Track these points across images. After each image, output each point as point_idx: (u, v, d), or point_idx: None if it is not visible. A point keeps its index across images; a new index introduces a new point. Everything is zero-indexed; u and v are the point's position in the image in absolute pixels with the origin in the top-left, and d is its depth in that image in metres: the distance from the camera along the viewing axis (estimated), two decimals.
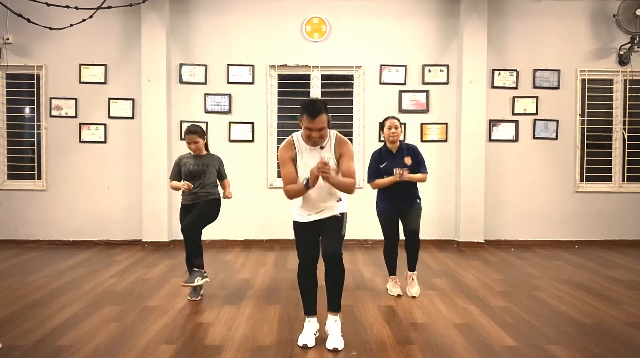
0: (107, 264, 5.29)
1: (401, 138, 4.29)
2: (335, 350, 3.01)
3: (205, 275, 4.07)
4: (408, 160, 4.19)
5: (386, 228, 4.24)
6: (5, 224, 6.43)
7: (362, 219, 5.94)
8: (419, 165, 4.22)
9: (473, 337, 3.23)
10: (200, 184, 4.14)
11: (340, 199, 3.21)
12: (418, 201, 4.27)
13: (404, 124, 6.42)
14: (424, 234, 6.38)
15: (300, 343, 3.10)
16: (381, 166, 4.18)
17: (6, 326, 3.38)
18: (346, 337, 3.18)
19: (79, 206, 6.44)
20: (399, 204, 4.19)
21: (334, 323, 3.16)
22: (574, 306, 3.88)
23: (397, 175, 4.02)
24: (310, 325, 3.21)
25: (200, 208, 4.10)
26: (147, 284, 4.51)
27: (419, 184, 4.28)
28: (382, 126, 4.31)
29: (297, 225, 3.22)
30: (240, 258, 5.67)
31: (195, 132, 4.13)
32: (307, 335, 3.14)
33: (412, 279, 4.27)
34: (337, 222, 3.16)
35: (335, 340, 3.06)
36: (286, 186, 3.09)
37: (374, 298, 4.11)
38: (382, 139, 4.51)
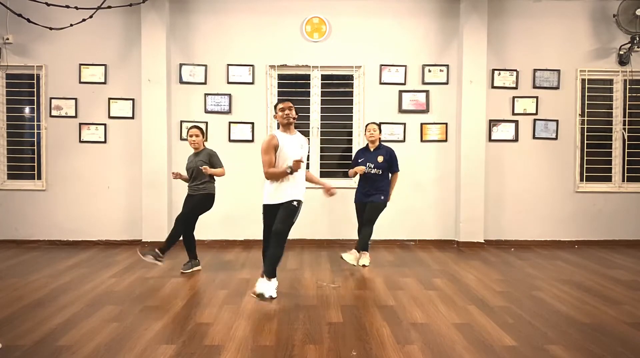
0: (107, 264, 5.29)
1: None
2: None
3: (159, 258, 4.79)
4: (380, 158, 5.12)
5: (357, 212, 5.31)
6: (5, 224, 6.43)
7: None
8: (392, 164, 5.17)
9: (473, 337, 3.23)
10: (194, 179, 4.94)
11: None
12: (382, 197, 5.11)
13: (404, 124, 6.46)
14: (424, 234, 6.48)
15: (267, 295, 3.83)
16: (359, 161, 5.20)
17: (6, 326, 3.38)
18: (346, 336, 3.20)
19: (79, 206, 6.44)
20: (363, 196, 5.18)
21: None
22: (574, 306, 3.88)
23: (361, 170, 5.07)
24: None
25: (193, 201, 4.93)
26: (147, 284, 4.51)
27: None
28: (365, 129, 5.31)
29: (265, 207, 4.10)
30: (240, 258, 5.66)
31: (196, 127, 4.99)
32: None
33: (364, 255, 5.24)
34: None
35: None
36: (269, 169, 3.95)
37: (374, 298, 4.11)
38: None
